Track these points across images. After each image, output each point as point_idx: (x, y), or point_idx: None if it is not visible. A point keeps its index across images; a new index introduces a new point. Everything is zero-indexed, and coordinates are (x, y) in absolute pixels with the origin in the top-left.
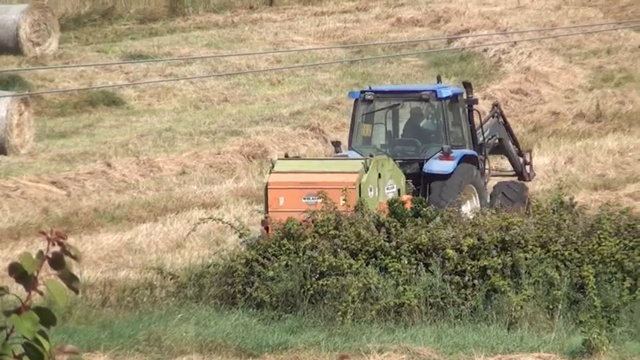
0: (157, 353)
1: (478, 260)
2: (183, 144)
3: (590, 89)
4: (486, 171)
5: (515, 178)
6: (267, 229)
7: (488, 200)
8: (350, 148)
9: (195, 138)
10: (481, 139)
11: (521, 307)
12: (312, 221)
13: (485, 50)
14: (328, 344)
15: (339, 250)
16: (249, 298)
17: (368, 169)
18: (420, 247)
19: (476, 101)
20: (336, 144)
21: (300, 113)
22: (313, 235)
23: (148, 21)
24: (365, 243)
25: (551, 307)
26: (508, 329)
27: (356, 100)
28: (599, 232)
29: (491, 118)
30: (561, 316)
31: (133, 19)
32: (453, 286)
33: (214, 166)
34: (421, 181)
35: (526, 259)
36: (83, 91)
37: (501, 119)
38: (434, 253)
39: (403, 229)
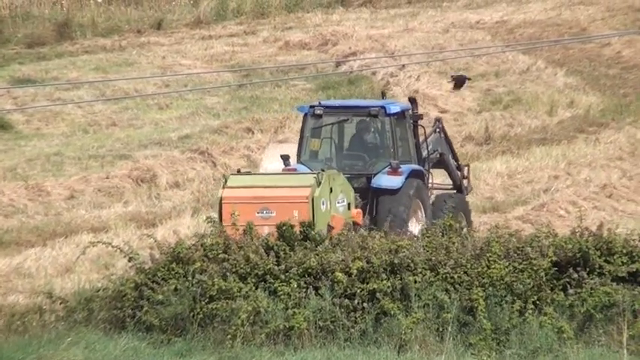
0: None
1: (367, 283)
2: (71, 168)
3: (478, 112)
4: (429, 185)
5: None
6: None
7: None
8: (298, 161)
9: (83, 162)
10: (424, 153)
11: (411, 330)
12: (201, 245)
13: (373, 73)
14: None
15: (228, 273)
16: (138, 322)
17: (320, 183)
18: (310, 270)
19: (421, 117)
20: (285, 157)
21: (188, 137)
22: (202, 259)
23: (36, 45)
24: (254, 267)
25: (441, 329)
26: (398, 352)
27: (305, 114)
28: (488, 254)
29: (433, 134)
30: (451, 339)
31: (21, 43)
32: (342, 310)
33: (103, 191)
34: (369, 196)
35: (415, 282)
36: None
37: (443, 135)
38: (323, 277)
39: (292, 253)
